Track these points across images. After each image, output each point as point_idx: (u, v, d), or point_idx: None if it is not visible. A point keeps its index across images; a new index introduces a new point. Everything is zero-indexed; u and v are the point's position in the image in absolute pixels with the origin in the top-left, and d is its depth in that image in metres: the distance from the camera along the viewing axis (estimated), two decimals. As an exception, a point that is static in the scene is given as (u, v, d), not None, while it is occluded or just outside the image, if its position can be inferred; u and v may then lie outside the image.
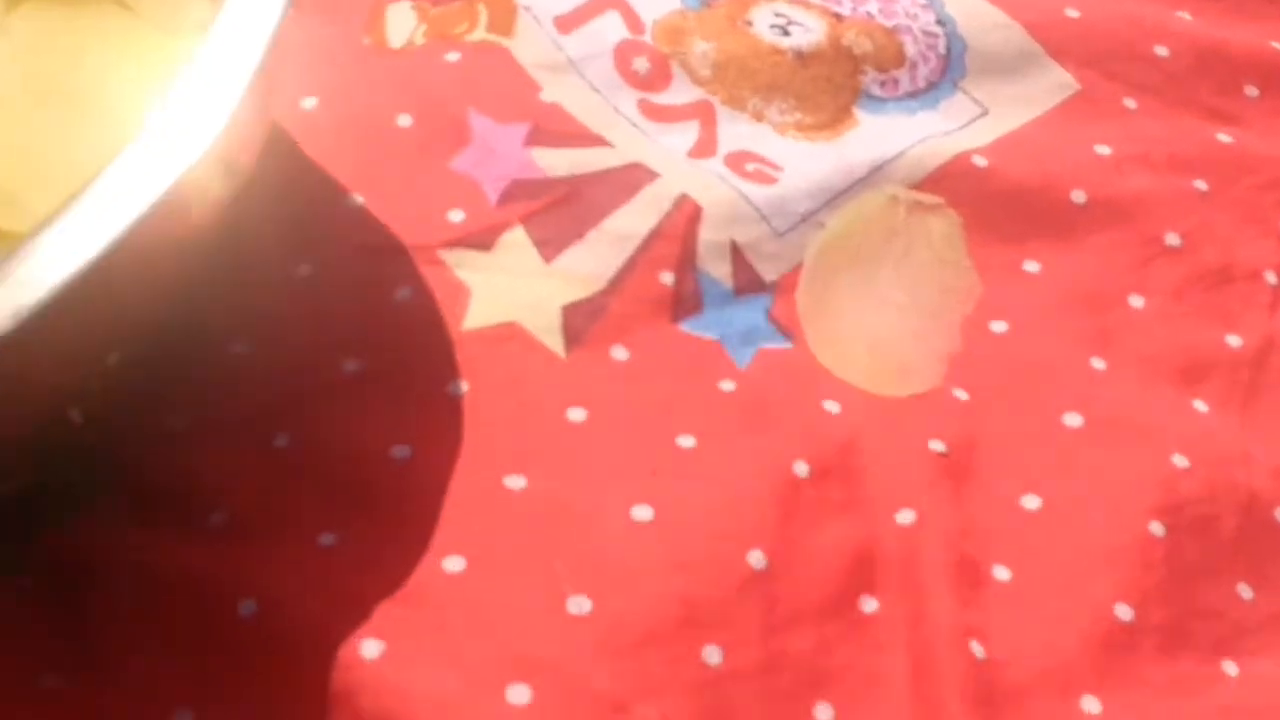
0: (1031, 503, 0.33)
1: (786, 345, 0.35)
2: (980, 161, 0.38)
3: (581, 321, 0.34)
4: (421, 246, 0.34)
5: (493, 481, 0.31)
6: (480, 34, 0.39)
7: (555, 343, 0.34)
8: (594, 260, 0.35)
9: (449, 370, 0.33)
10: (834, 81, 0.39)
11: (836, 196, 0.37)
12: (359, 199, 0.35)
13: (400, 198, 0.35)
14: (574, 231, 0.35)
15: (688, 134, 0.38)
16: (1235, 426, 0.35)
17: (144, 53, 0.29)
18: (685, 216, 0.36)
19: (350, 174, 0.35)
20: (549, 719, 0.28)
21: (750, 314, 0.35)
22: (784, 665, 0.30)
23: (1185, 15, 0.43)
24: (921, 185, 0.37)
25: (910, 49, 0.40)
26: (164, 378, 0.31)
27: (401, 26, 0.39)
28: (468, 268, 0.34)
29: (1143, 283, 0.37)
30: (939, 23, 0.41)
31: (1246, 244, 0.38)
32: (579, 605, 0.29)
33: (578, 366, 0.34)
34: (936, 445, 0.33)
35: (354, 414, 0.32)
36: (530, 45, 0.38)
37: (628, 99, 0.38)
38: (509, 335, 0.34)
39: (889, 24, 0.40)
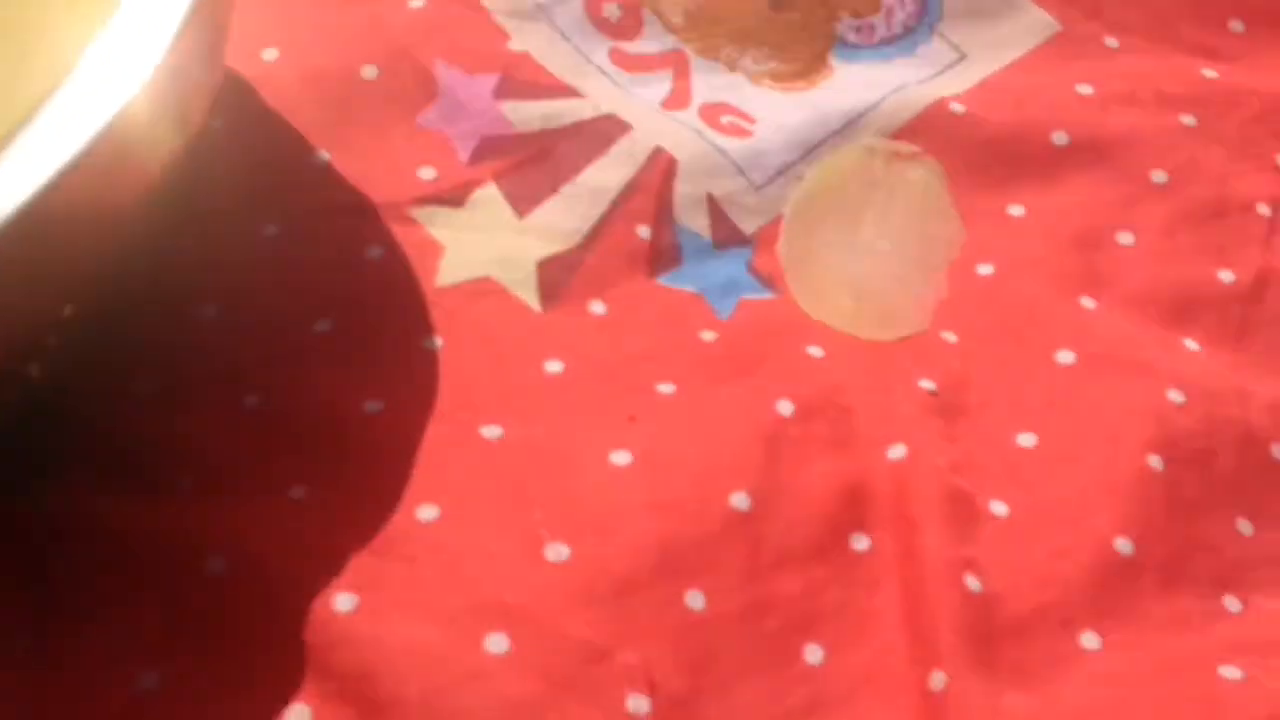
0: (1027, 439, 0.32)
1: (769, 295, 0.34)
2: (958, 108, 0.37)
3: (557, 276, 0.34)
4: (391, 204, 0.34)
5: (468, 431, 0.30)
6: (444, -22, 0.38)
7: (531, 298, 0.33)
8: (569, 215, 0.34)
9: (423, 326, 0.32)
10: (809, 29, 0.39)
11: (814, 149, 0.36)
12: (325, 155, 0.34)
13: (368, 154, 0.34)
14: (547, 186, 0.35)
15: (661, 85, 0.37)
16: (1230, 362, 0.34)
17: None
18: (660, 170, 0.35)
19: (316, 129, 0.34)
20: (528, 668, 0.27)
21: (730, 267, 0.35)
22: (771, 608, 0.29)
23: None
24: (899, 135, 0.37)
25: (886, -6, 0.39)
26: (130, 340, 0.31)
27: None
28: (440, 225, 0.34)
29: (1131, 220, 0.36)
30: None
31: (1239, 178, 0.37)
32: (557, 552, 0.29)
33: (554, 321, 0.33)
34: (926, 384, 0.33)
35: (325, 372, 0.31)
36: (497, -10, 0.38)
37: (599, 47, 0.37)
38: (484, 291, 0.33)
39: (864, -31, 0.40)
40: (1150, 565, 0.30)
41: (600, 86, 0.36)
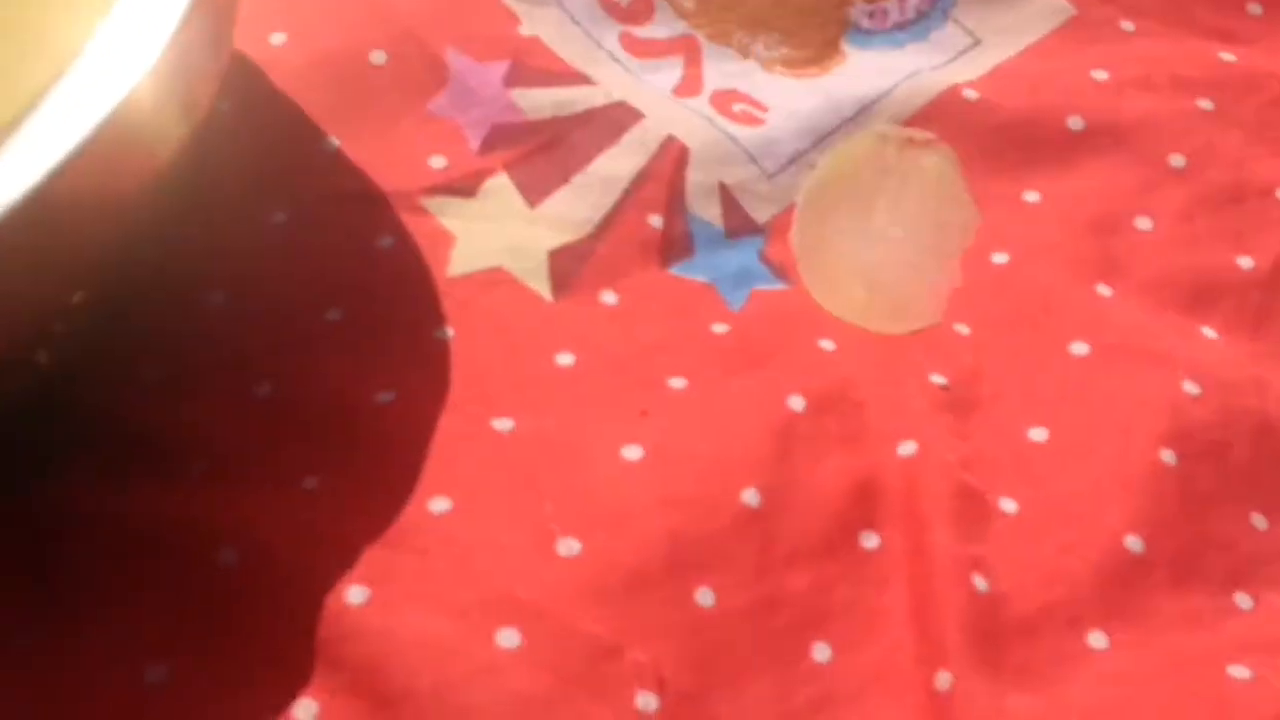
0: (1038, 434, 0.32)
1: (781, 286, 0.34)
2: (971, 95, 0.37)
3: (569, 266, 0.33)
4: (402, 193, 0.34)
5: (480, 423, 0.30)
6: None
7: (542, 287, 0.33)
8: (580, 204, 0.34)
9: (435, 316, 0.32)
10: (821, 14, 0.38)
11: (826, 136, 0.36)
12: (335, 142, 0.34)
13: (378, 142, 0.34)
14: (559, 176, 0.34)
15: (673, 71, 0.37)
16: (1247, 351, 0.34)
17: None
18: (672, 158, 0.35)
19: (325, 115, 0.34)
20: (539, 664, 0.27)
21: (743, 256, 0.35)
22: (780, 605, 0.29)
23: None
24: (912, 121, 0.37)
25: (900, -22, 0.39)
26: (137, 327, 0.31)
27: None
28: (451, 215, 0.34)
29: (1148, 206, 0.36)
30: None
31: (1257, 162, 0.37)
32: (568, 547, 0.29)
33: (566, 311, 0.33)
34: (938, 379, 0.32)
35: (335, 361, 0.31)
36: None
37: (610, 33, 0.37)
38: (495, 281, 0.33)
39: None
40: (1161, 562, 0.30)
41: (611, 73, 0.36)
